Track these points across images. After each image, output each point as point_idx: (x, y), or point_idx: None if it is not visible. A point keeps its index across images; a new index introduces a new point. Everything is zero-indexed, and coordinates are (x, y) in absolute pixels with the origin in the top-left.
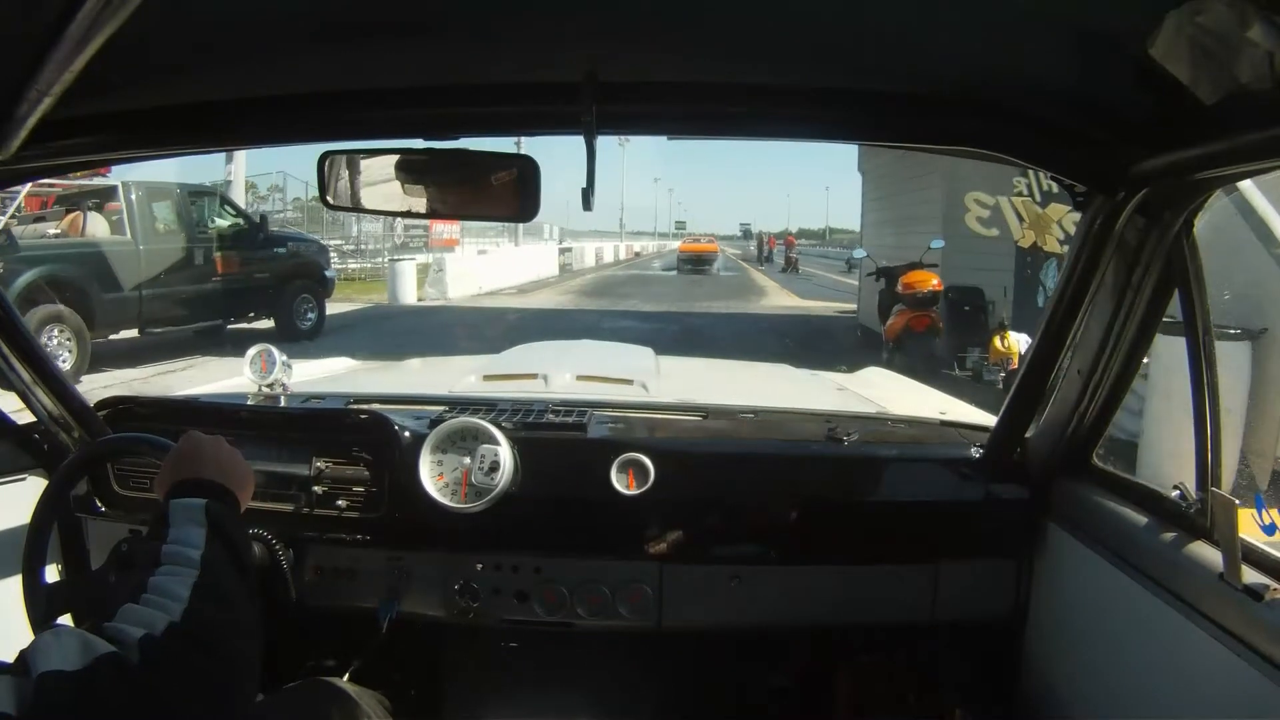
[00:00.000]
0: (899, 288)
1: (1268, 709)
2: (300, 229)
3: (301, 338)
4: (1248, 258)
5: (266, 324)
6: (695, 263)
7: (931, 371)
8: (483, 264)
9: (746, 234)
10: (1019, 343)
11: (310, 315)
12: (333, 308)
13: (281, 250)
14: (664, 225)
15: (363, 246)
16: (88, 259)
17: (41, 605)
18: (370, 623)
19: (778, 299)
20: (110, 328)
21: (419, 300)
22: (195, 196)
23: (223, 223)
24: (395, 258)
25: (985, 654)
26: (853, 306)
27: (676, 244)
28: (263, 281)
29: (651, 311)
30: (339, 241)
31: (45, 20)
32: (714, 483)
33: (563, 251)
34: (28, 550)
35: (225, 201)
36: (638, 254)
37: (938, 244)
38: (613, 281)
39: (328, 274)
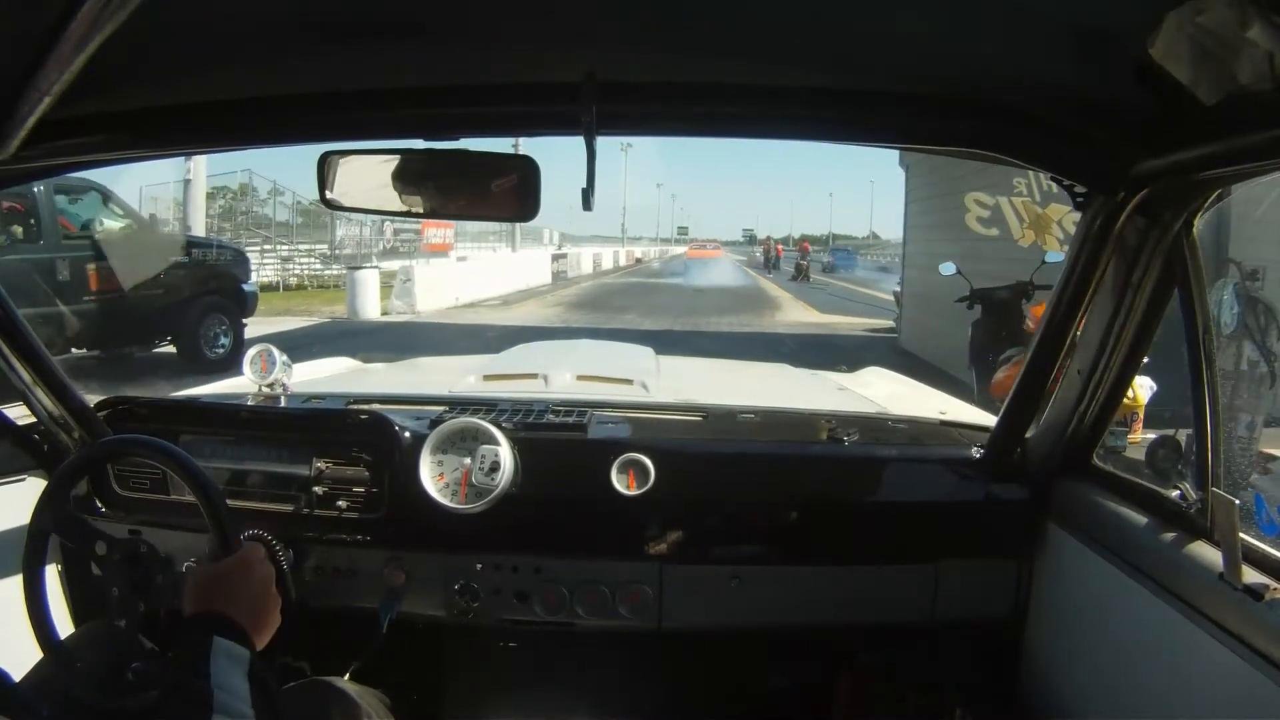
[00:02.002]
0: (1026, 323)
1: (1268, 709)
2: (256, 235)
3: (212, 369)
4: None
5: (172, 349)
6: (702, 267)
7: None
8: (462, 272)
9: (751, 239)
10: (1144, 390)
11: (223, 340)
12: (281, 324)
13: (183, 260)
14: (666, 230)
15: (338, 251)
16: None
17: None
18: (370, 623)
19: (794, 313)
20: None
21: (383, 315)
22: (73, 194)
23: (112, 225)
24: (354, 265)
25: (986, 654)
26: (884, 323)
27: (677, 249)
28: (155, 299)
29: (652, 330)
30: (322, 247)
31: (45, 20)
32: (714, 483)
33: (556, 258)
34: (28, 551)
35: (111, 200)
36: (639, 260)
37: (1055, 258)
38: (610, 291)
39: (246, 288)
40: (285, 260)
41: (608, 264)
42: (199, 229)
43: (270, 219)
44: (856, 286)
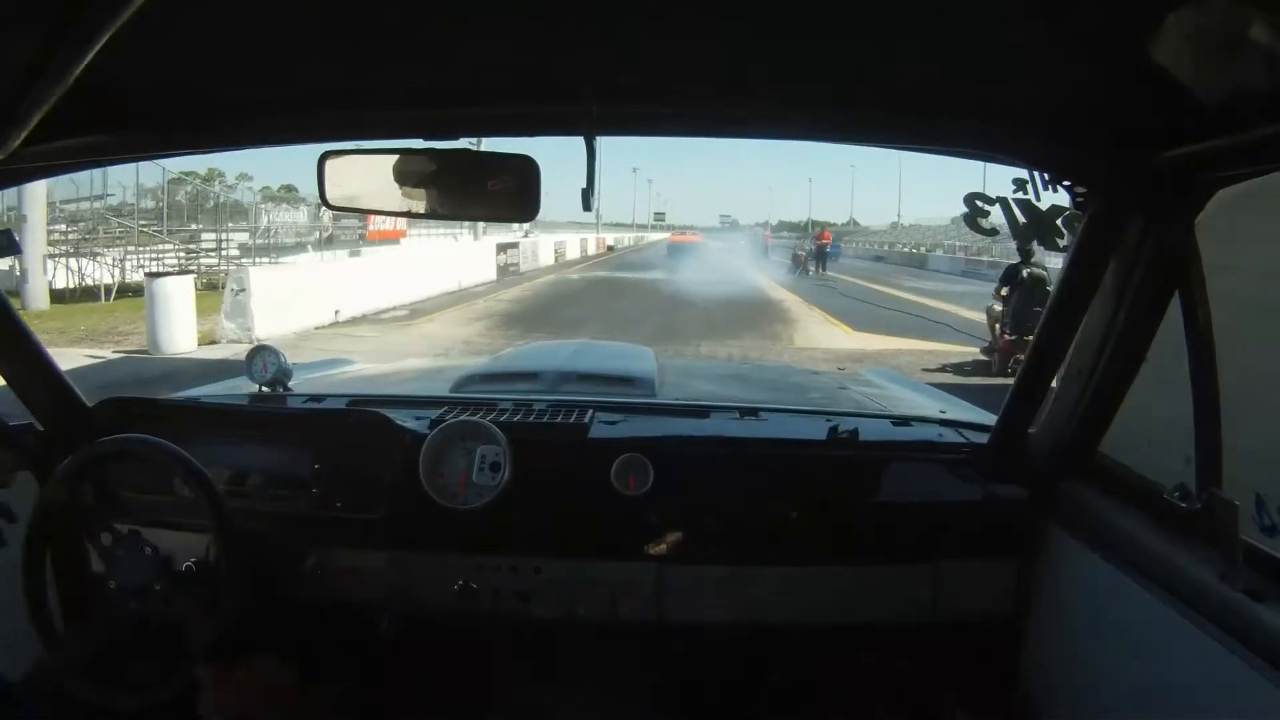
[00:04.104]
0: None
1: (1268, 709)
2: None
3: None
4: None
5: None
6: (684, 257)
7: None
8: (352, 271)
9: (733, 225)
10: None
11: None
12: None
13: None
14: (642, 216)
15: (225, 243)
16: None
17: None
18: (370, 622)
19: (815, 330)
20: None
21: (208, 344)
22: None
23: None
24: (155, 271)
25: (985, 654)
26: (958, 348)
27: (655, 235)
28: None
29: None
30: (244, 236)
31: (45, 20)
32: (714, 483)
33: (503, 248)
34: (28, 551)
35: None
36: (611, 248)
37: None
38: (565, 294)
39: None
40: (192, 254)
41: (573, 253)
42: (37, 217)
43: (241, 205)
44: (867, 283)
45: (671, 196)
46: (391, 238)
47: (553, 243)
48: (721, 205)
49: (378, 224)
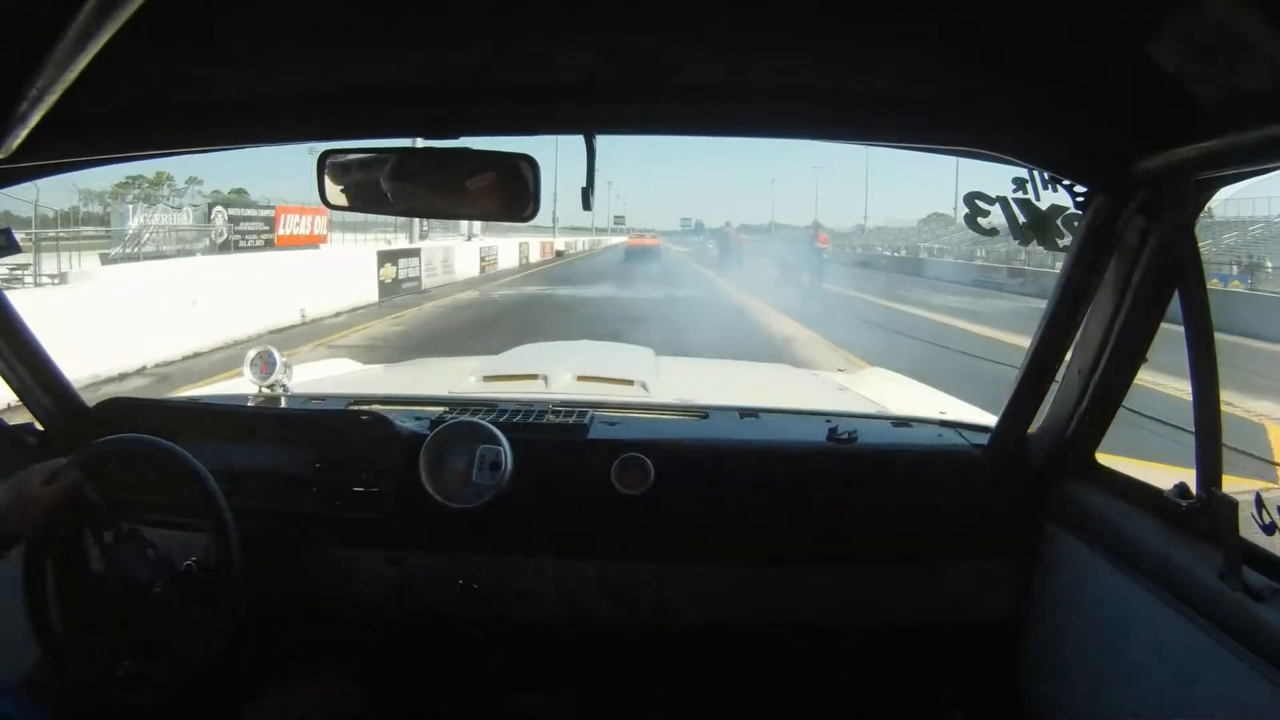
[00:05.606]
0: None
1: (1268, 709)
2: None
3: None
4: None
5: None
6: (641, 260)
7: None
8: (85, 306)
9: (698, 228)
10: None
11: None
12: None
13: None
14: (602, 220)
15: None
16: None
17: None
18: (370, 622)
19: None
20: None
21: None
22: None
23: None
24: None
25: (985, 654)
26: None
27: (614, 239)
28: None
29: None
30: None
31: (45, 20)
32: (714, 483)
33: (390, 257)
34: (28, 552)
35: None
36: (560, 253)
37: None
38: (466, 325)
39: None
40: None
41: (509, 262)
42: None
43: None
44: (878, 299)
45: (631, 201)
46: (310, 243)
47: (478, 249)
48: (682, 209)
49: (289, 228)
